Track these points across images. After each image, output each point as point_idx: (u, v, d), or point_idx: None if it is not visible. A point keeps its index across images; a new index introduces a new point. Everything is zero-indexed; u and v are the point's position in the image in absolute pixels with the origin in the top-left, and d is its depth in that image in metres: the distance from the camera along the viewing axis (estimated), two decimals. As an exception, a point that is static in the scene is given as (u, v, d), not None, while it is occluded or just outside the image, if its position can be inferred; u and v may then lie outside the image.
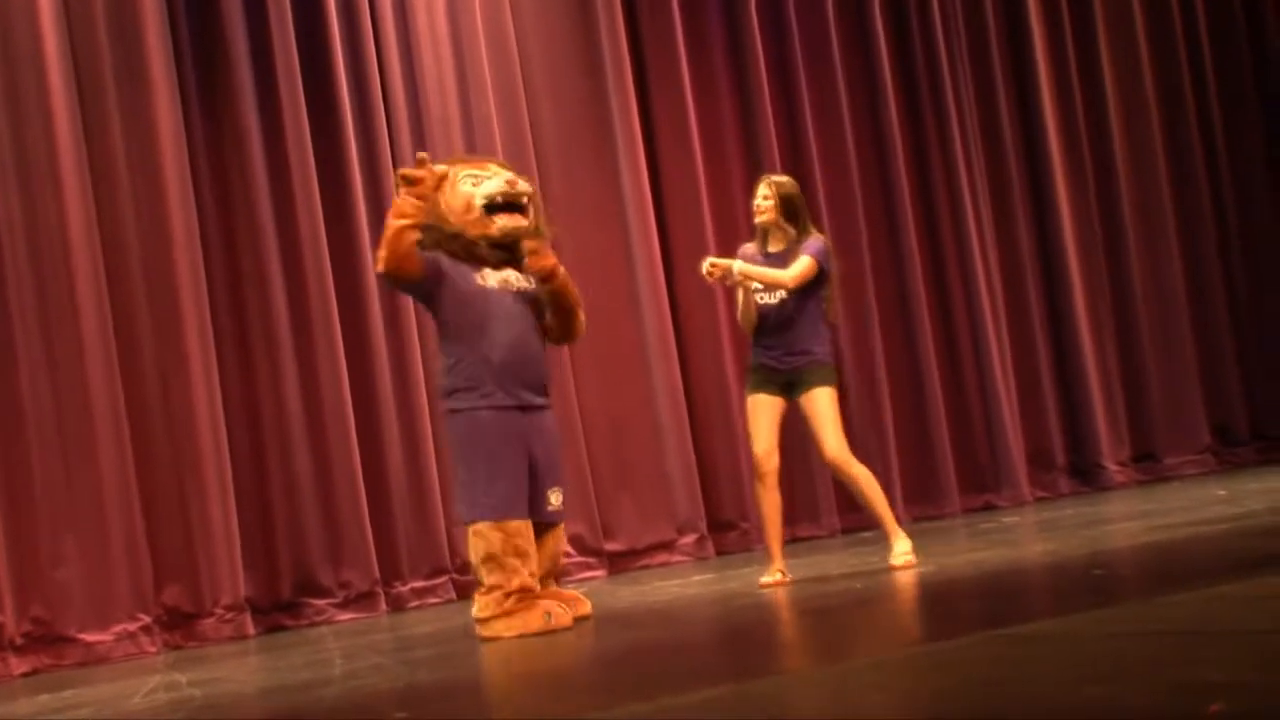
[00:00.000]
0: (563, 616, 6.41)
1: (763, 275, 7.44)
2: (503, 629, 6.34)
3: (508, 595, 6.36)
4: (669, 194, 10.62)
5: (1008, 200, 11.75)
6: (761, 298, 7.50)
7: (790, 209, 7.52)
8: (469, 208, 6.60)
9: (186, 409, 8.87)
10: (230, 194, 9.28)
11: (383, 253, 6.42)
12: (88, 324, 8.65)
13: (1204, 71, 12.64)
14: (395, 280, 6.61)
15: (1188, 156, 12.46)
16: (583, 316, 6.84)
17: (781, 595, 7.00)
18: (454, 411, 6.55)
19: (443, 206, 6.60)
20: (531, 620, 6.34)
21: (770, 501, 7.51)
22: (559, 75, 10.35)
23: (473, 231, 6.59)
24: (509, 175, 6.71)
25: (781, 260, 7.44)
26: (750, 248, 7.64)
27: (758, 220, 7.61)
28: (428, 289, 6.59)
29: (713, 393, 10.50)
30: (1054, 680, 3.65)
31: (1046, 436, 11.58)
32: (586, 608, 6.82)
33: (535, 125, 10.20)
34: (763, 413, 7.52)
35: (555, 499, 6.66)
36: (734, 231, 10.42)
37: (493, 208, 6.60)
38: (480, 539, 6.40)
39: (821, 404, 7.44)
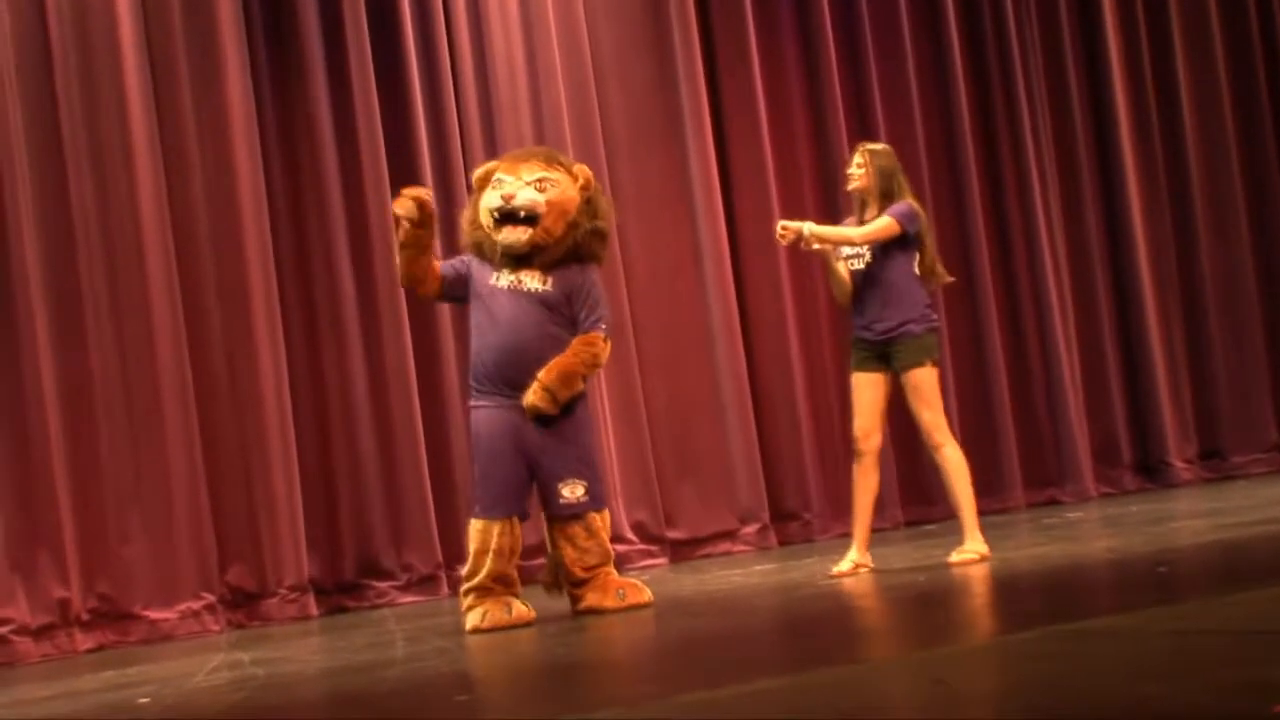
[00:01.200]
0: (499, 616, 6.61)
1: (834, 234, 7.41)
2: (468, 622, 6.69)
3: (468, 591, 6.75)
4: (737, 178, 10.58)
5: (1077, 187, 11.63)
6: (851, 265, 7.45)
7: (884, 178, 7.45)
8: (487, 214, 6.87)
9: (253, 389, 8.92)
10: (300, 176, 9.33)
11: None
12: (158, 303, 8.71)
13: (1277, 51, 12.46)
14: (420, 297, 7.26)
15: (1260, 142, 12.28)
16: (596, 361, 6.92)
17: (843, 587, 6.99)
18: (469, 407, 7.05)
19: (475, 209, 6.97)
20: (489, 617, 6.62)
21: (865, 483, 7.40)
22: (628, 59, 10.33)
23: (492, 237, 6.85)
24: (526, 181, 6.86)
25: None
26: (849, 220, 7.63)
27: (850, 188, 7.59)
28: (457, 298, 7.10)
29: (777, 381, 10.46)
30: (1116, 676, 3.63)
31: (1112, 431, 11.48)
32: (646, 595, 6.87)
33: (604, 109, 10.18)
34: (863, 391, 7.43)
35: (568, 492, 6.81)
36: (801, 216, 10.42)
37: (500, 219, 6.79)
38: (469, 531, 6.84)
39: (917, 385, 7.31)
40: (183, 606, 8.59)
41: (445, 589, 9.20)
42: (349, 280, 9.27)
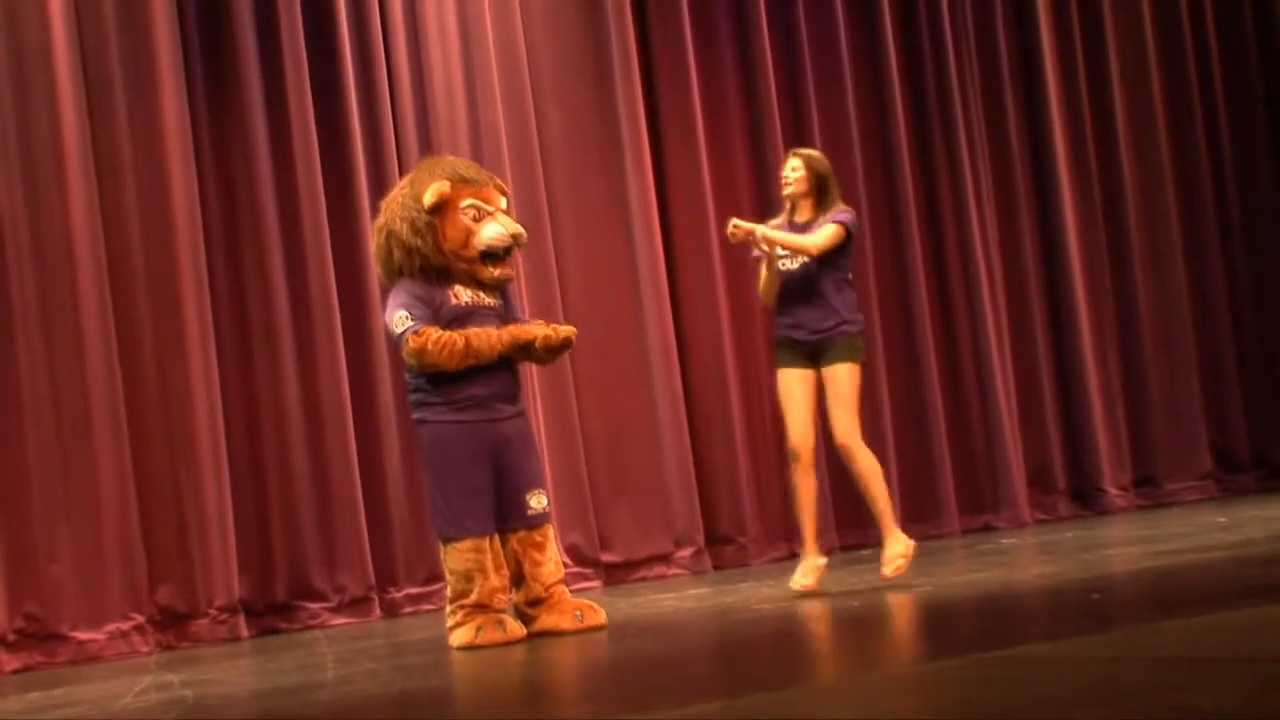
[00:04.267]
0: (494, 633, 6.51)
1: (787, 240, 7.37)
2: (456, 638, 6.59)
3: (460, 609, 6.62)
4: (674, 200, 10.58)
5: (1013, 214, 11.69)
6: (784, 264, 7.43)
7: (820, 180, 7.48)
8: (466, 245, 6.74)
9: (185, 407, 8.84)
10: (235, 192, 9.26)
11: (435, 357, 6.58)
12: (88, 318, 8.63)
13: (1212, 80, 12.55)
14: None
15: (1195, 171, 12.37)
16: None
17: (777, 612, 6.97)
18: (421, 422, 6.82)
19: (438, 233, 6.72)
20: (484, 634, 6.51)
21: (805, 486, 7.39)
22: (567, 80, 10.32)
23: (460, 267, 6.74)
24: (508, 215, 6.89)
25: (807, 230, 7.39)
26: (777, 221, 7.61)
27: (785, 192, 7.58)
28: None
29: (714, 403, 10.45)
30: (1048, 703, 3.63)
31: (1047, 458, 11.53)
32: (601, 617, 6.81)
33: (542, 129, 10.16)
34: (793, 387, 7.43)
35: (535, 502, 6.80)
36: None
37: (503, 254, 6.77)
38: (448, 555, 6.68)
39: (839, 381, 7.34)
40: (111, 627, 8.50)
41: (377, 610, 9.15)
42: (283, 297, 9.21)
